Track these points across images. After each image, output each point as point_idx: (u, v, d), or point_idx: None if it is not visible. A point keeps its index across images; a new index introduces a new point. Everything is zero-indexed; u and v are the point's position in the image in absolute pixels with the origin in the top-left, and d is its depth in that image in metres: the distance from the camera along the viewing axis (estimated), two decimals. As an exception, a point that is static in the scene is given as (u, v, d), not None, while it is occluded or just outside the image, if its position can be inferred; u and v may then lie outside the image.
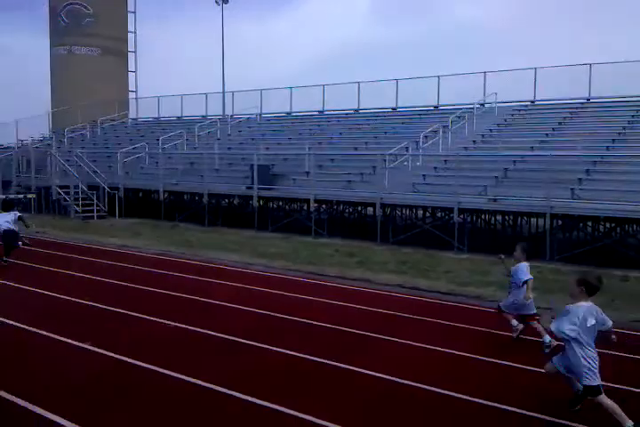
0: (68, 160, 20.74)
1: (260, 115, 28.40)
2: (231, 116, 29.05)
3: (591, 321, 4.08)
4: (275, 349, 5.74)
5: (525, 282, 5.90)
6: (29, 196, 18.77)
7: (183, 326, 6.55)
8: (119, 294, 8.29)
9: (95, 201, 19.08)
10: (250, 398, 4.49)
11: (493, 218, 17.21)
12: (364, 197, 15.37)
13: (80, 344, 5.77)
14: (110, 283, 8.95)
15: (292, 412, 4.26)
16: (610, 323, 4.25)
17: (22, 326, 6.42)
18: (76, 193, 19.10)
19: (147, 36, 67.29)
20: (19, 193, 20.09)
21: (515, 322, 6.13)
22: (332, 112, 26.17)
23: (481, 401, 4.52)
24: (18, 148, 27.21)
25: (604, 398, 4.01)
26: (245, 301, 7.75)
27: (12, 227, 10.14)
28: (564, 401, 4.41)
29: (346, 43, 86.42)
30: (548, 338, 5.63)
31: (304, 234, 15.08)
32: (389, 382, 4.94)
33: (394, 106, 24.40)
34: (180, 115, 31.19)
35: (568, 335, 4.06)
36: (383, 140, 19.57)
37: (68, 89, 35.55)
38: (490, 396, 4.59)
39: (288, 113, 27.83)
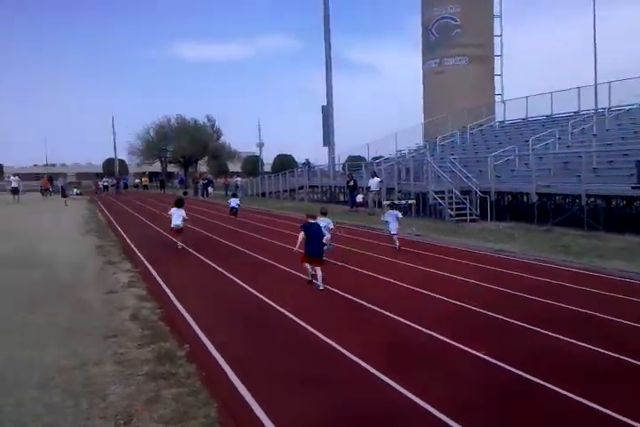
0: (441, 166, 22.06)
1: (645, 103, 25.09)
2: (608, 109, 26.42)
3: (322, 224, 9.85)
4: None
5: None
6: (410, 201, 20.61)
7: (581, 344, 6.18)
8: (504, 301, 8.33)
9: (467, 205, 19.79)
10: None
11: None
12: None
13: (474, 352, 5.99)
14: (494, 289, 9.07)
15: None
16: (331, 225, 10.86)
17: (418, 326, 7.02)
18: (450, 197, 20.16)
19: (509, 39, 66.77)
20: (400, 199, 22.32)
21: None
22: None
23: None
24: (397, 158, 30.34)
25: None
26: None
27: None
28: None
29: None
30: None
31: None
32: None
33: None
34: (549, 113, 29.95)
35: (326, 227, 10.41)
36: None
37: (438, 99, 38.00)
38: None
39: (683, 97, 23.88)
